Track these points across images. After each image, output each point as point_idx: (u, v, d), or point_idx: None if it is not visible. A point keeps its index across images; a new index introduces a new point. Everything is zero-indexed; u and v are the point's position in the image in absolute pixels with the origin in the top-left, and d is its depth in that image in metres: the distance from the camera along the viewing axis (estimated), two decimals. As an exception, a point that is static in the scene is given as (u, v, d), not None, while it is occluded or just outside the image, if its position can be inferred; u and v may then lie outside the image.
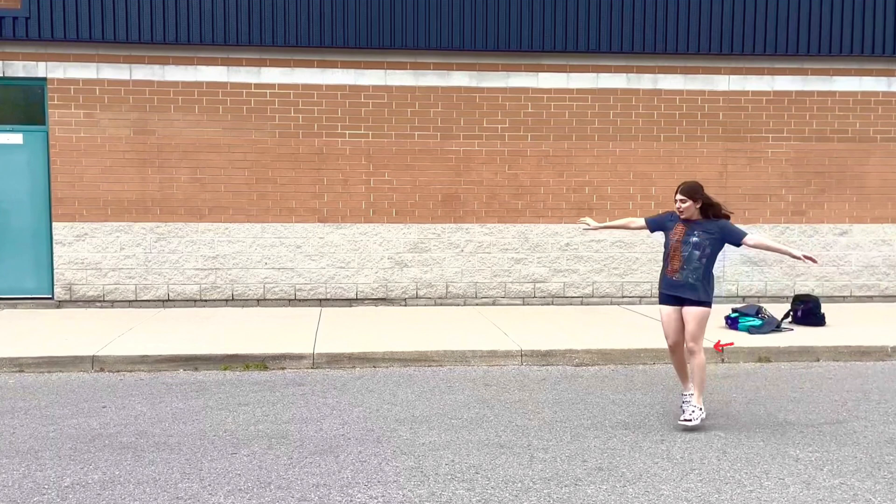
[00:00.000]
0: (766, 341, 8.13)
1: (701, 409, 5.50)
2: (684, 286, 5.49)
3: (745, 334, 8.49)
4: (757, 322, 8.67)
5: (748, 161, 11.00)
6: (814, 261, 5.33)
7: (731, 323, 8.87)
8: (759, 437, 5.31)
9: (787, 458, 4.88)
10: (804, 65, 10.95)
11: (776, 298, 11.01)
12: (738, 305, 9.36)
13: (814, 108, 11.02)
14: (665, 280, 5.64)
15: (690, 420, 5.42)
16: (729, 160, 10.98)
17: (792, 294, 10.74)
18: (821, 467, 4.72)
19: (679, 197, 5.45)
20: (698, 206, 5.44)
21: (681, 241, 5.50)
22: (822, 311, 9.25)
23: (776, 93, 10.96)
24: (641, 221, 5.93)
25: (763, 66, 10.91)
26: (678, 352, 5.69)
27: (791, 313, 9.22)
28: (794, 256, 5.36)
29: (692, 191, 5.43)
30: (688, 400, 5.59)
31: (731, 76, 10.88)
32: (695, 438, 5.24)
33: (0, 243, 10.25)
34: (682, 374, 5.75)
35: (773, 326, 8.69)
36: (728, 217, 5.58)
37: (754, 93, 10.93)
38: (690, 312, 5.50)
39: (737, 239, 5.49)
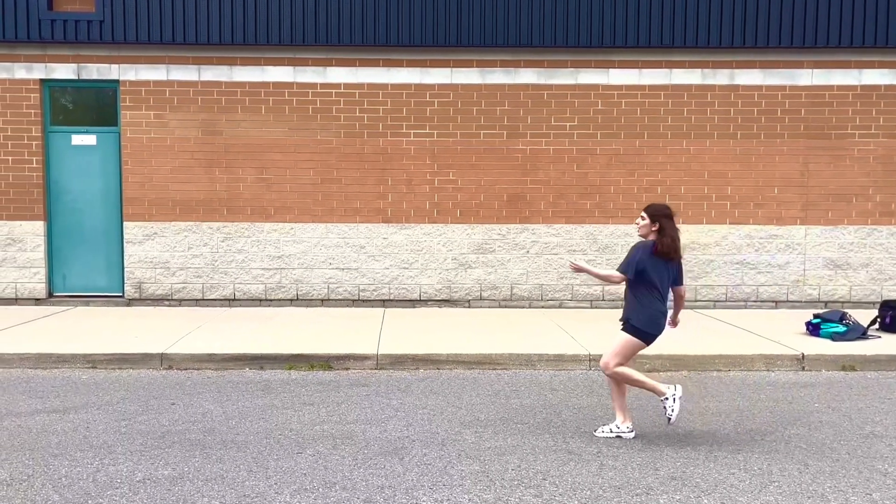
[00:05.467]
0: (850, 349, 7.80)
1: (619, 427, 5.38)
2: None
3: (827, 341, 8.17)
4: (841, 328, 8.31)
5: (832, 159, 10.49)
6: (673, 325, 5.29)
7: (813, 329, 8.51)
8: (844, 449, 5.11)
9: (874, 472, 4.69)
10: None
11: (861, 304, 10.48)
12: (821, 311, 8.94)
13: (905, 103, 10.45)
14: None
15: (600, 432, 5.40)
16: (811, 158, 10.49)
17: (879, 299, 10.27)
18: (914, 484, 4.51)
19: (641, 213, 5.37)
20: (654, 227, 5.26)
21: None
22: (914, 317, 8.77)
23: (863, 87, 10.43)
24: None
25: (849, 60, 10.40)
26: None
27: (878, 319, 8.82)
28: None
29: (653, 212, 5.30)
30: (618, 427, 5.43)
31: (815, 70, 10.41)
32: (774, 449, 5.08)
33: (74, 242, 10.55)
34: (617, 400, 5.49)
35: (859, 333, 8.32)
36: (667, 254, 5.21)
37: (839, 87, 10.42)
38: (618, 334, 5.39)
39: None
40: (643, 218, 5.30)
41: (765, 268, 10.59)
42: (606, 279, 5.32)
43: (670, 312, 5.47)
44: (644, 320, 5.21)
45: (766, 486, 4.40)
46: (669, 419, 5.19)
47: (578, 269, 5.31)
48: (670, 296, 5.40)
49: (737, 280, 10.57)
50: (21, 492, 4.25)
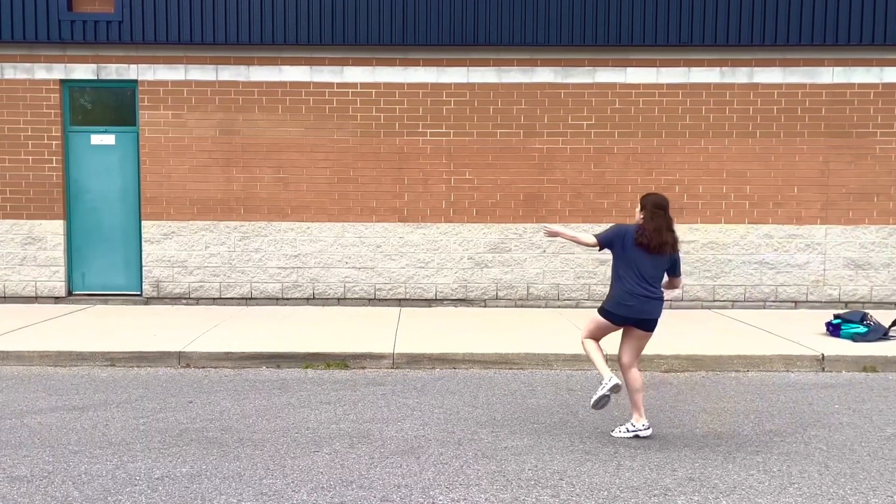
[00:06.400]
0: (871, 350, 7.70)
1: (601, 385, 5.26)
2: None
3: (848, 342, 8.07)
4: (862, 329, 8.20)
5: (853, 158, 10.37)
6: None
7: (833, 330, 8.41)
8: (865, 451, 5.05)
9: (896, 474, 4.64)
10: (917, 54, 10.27)
11: (883, 304, 10.35)
12: (841, 311, 8.83)
13: (928, 101, 10.31)
14: None
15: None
16: (832, 157, 10.37)
17: (900, 300, 10.12)
18: (938, 486, 4.45)
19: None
20: (641, 216, 5.31)
21: None
22: (936, 318, 8.66)
23: (885, 85, 10.29)
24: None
25: (871, 58, 10.27)
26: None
27: (900, 320, 8.66)
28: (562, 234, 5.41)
29: (644, 202, 5.35)
30: (633, 426, 5.41)
31: (835, 68, 10.29)
32: (794, 451, 5.02)
33: (93, 241, 10.63)
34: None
35: (881, 334, 8.21)
36: (644, 246, 5.20)
37: (861, 85, 10.30)
38: None
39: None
40: (638, 204, 5.40)
41: (784, 268, 10.49)
42: (574, 239, 5.35)
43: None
44: (608, 299, 5.33)
45: (786, 489, 4.35)
46: (590, 401, 5.28)
47: (553, 234, 5.40)
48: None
49: (755, 280, 10.48)
50: (41, 488, 4.29)
